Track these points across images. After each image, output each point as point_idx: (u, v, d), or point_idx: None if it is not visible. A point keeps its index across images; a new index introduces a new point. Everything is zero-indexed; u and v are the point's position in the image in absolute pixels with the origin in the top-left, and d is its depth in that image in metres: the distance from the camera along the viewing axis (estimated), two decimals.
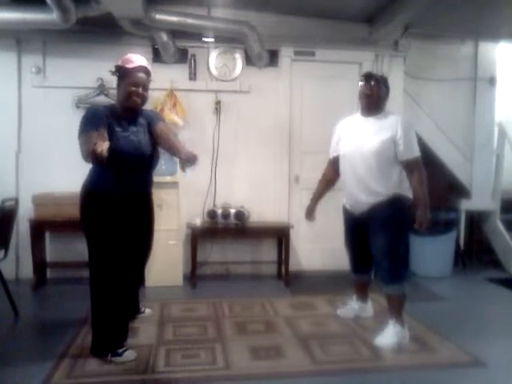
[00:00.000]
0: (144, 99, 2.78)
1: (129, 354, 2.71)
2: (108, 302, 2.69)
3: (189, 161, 2.72)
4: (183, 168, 2.75)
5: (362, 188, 3.00)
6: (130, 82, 2.69)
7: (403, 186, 2.97)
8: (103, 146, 2.43)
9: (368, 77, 3.05)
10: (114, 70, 2.78)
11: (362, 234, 3.12)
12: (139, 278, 3.24)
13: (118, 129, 2.68)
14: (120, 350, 2.69)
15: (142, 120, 2.86)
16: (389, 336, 2.98)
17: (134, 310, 3.27)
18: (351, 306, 3.50)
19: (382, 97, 3.02)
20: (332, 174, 3.37)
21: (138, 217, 2.90)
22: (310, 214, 3.43)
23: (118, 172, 2.68)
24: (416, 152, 2.94)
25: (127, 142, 2.70)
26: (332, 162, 3.33)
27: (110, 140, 2.59)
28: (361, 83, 3.05)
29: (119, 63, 2.75)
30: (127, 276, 2.81)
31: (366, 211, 3.02)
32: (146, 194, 3.01)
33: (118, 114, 2.75)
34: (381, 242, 2.96)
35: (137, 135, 2.77)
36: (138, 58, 2.75)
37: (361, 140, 3.00)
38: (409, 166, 2.94)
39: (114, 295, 2.70)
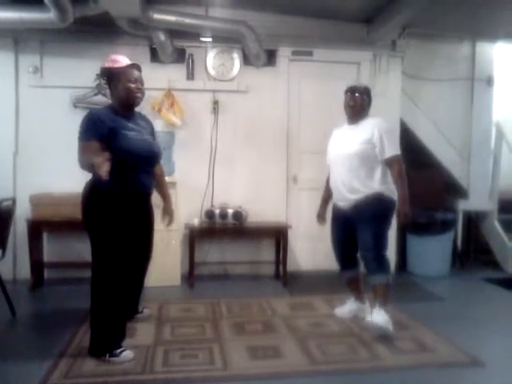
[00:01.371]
0: (143, 94, 2.83)
1: (127, 355, 2.70)
2: (109, 302, 2.68)
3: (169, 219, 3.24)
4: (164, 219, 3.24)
5: (347, 186, 3.21)
6: (128, 78, 2.73)
7: (387, 185, 3.17)
8: (105, 168, 2.34)
9: (352, 90, 3.28)
10: (101, 72, 2.84)
11: (349, 229, 3.28)
12: (141, 280, 3.23)
13: (124, 131, 2.69)
14: (118, 351, 2.68)
15: (141, 122, 2.92)
16: (379, 315, 3.08)
17: (133, 311, 3.26)
18: (349, 306, 3.51)
19: (364, 106, 3.28)
20: None
21: (143, 217, 2.95)
22: (320, 217, 3.60)
23: (131, 172, 2.72)
24: (392, 151, 3.13)
25: (137, 142, 2.74)
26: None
27: (117, 142, 2.62)
28: (345, 95, 3.30)
29: (106, 65, 2.77)
30: (130, 276, 2.84)
31: (353, 207, 3.20)
32: (150, 194, 3.02)
33: (119, 114, 2.76)
34: (366, 236, 3.16)
35: (142, 134, 2.83)
36: (123, 58, 2.79)
37: (344, 144, 3.26)
38: (388, 164, 3.16)
39: (115, 295, 2.69)
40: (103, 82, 2.87)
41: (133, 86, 2.72)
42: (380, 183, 3.15)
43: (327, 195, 3.55)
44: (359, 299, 3.48)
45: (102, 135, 2.59)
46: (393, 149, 3.13)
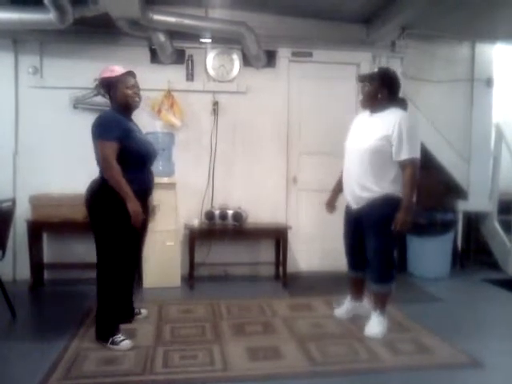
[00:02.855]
0: (140, 98, 3.08)
1: (126, 343, 2.84)
2: (113, 289, 2.88)
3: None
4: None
5: (357, 183, 3.08)
6: (127, 85, 2.96)
7: (399, 186, 3.00)
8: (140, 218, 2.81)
9: (360, 79, 3.21)
10: (100, 83, 3.05)
11: (359, 233, 3.20)
12: (135, 274, 3.38)
13: (133, 133, 2.92)
14: (118, 339, 2.81)
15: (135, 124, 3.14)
16: (375, 326, 3.11)
17: (129, 313, 3.30)
18: (346, 306, 3.50)
19: (376, 94, 3.07)
20: None
21: (145, 212, 3.05)
22: (330, 204, 3.50)
23: (139, 171, 2.95)
24: (410, 153, 2.93)
25: (144, 142, 3.03)
26: None
27: (129, 143, 2.84)
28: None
29: (104, 76, 2.97)
30: (130, 267, 3.09)
31: (362, 207, 3.09)
32: (152, 190, 3.20)
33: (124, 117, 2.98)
34: (373, 242, 3.08)
35: (142, 134, 3.10)
36: (119, 67, 3.01)
37: (360, 137, 3.10)
38: (402, 166, 2.98)
39: (117, 282, 2.90)
40: (102, 91, 3.08)
41: (130, 92, 2.96)
42: (393, 182, 2.98)
43: (341, 180, 3.34)
44: (356, 298, 3.47)
45: (119, 136, 2.80)
46: (411, 151, 2.91)
